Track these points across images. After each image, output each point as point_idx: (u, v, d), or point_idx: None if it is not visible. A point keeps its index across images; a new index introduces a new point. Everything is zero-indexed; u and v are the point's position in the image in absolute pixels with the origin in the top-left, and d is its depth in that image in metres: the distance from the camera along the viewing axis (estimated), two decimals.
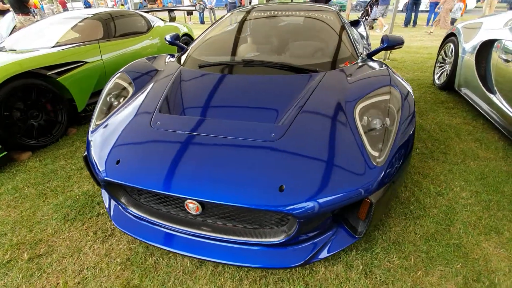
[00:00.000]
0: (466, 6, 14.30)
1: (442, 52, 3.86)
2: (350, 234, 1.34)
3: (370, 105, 1.46)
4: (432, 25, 9.30)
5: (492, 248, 1.50)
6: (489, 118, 2.62)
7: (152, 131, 1.46)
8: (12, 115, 2.37)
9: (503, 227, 1.63)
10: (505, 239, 1.55)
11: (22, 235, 1.65)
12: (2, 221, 1.76)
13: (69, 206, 1.87)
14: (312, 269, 1.39)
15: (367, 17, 9.83)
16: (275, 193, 1.13)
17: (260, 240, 1.27)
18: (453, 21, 8.83)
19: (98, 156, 1.43)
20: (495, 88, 2.59)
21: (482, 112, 2.74)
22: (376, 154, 1.27)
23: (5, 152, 2.29)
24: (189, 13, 12.68)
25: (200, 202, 1.21)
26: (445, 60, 3.81)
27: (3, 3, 5.65)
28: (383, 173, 1.22)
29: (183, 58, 2.23)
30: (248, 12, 2.68)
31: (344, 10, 13.23)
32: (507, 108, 2.34)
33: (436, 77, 4.02)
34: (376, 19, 9.45)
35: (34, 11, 9.93)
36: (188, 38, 5.02)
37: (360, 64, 1.92)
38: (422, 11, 11.63)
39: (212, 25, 2.67)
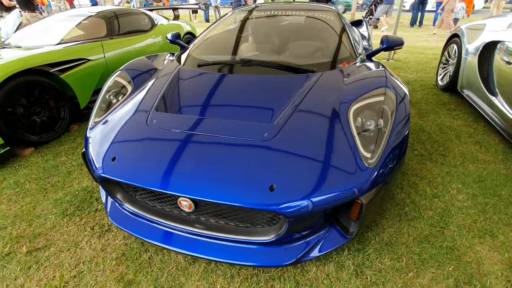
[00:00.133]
0: (474, 6, 14.11)
1: (446, 53, 3.82)
2: (342, 235, 1.35)
3: (365, 106, 1.47)
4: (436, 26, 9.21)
5: (486, 251, 1.50)
6: (490, 120, 2.60)
7: (148, 129, 1.49)
8: (16, 111, 2.42)
9: (498, 230, 1.62)
10: (499, 242, 1.54)
11: (21, 228, 1.69)
12: (3, 214, 1.80)
13: (68, 201, 1.90)
14: (304, 268, 1.41)
15: (371, 16, 9.76)
16: (265, 192, 1.14)
17: (252, 238, 1.28)
18: (455, 22, 8.74)
19: (95, 153, 1.46)
20: (497, 90, 2.57)
21: (484, 114, 2.72)
22: (368, 155, 1.27)
23: (8, 148, 2.34)
24: (194, 11, 12.70)
25: (192, 200, 1.23)
26: (449, 61, 3.77)
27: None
28: (374, 174, 1.22)
29: (182, 57, 2.25)
30: (248, 12, 2.68)
31: (350, 9, 13.13)
32: (508, 111, 2.32)
33: (439, 78, 3.99)
34: (384, 18, 9.38)
35: (41, 8, 10.05)
36: (191, 37, 5.04)
37: (358, 64, 1.92)
38: (428, 11, 11.49)
39: (212, 24, 2.69)
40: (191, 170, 1.24)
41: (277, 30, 2.51)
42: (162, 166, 1.27)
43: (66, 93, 2.82)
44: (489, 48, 2.75)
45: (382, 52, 2.94)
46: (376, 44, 3.53)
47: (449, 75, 3.66)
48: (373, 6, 9.76)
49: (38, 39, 3.19)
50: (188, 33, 5.01)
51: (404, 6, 16.10)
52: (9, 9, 5.68)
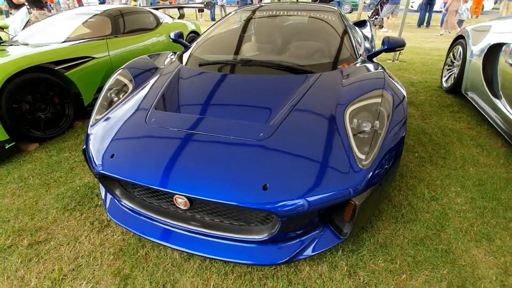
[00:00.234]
0: (483, 7, 13.88)
1: (451, 54, 3.78)
2: (336, 235, 1.36)
3: (361, 108, 1.47)
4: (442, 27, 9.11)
5: (482, 255, 1.49)
6: (493, 123, 2.57)
7: (146, 127, 1.51)
8: (21, 107, 2.47)
9: (495, 234, 1.61)
10: (495, 246, 1.53)
11: (24, 222, 1.73)
12: (7, 208, 1.85)
13: (70, 196, 1.95)
14: (297, 267, 1.42)
15: (377, 16, 9.69)
16: (258, 191, 1.16)
17: (245, 236, 1.30)
18: (460, 23, 8.66)
19: (95, 149, 1.49)
20: (501, 93, 2.54)
21: (487, 117, 2.68)
22: (362, 156, 1.28)
23: (13, 143, 2.39)
24: (200, 10, 12.73)
25: (187, 197, 1.25)
26: (454, 63, 3.73)
27: None
28: (368, 176, 1.23)
29: (184, 56, 2.28)
30: (250, 12, 2.70)
31: (357, 9, 13.03)
32: (511, 114, 2.29)
33: (443, 80, 3.95)
34: (388, 18, 9.31)
35: (50, 5, 10.20)
36: (195, 35, 5.07)
37: (358, 66, 1.92)
38: (436, 12, 11.34)
39: (214, 24, 2.70)
40: (185, 168, 1.26)
41: (278, 31, 2.52)
42: (158, 163, 1.30)
43: (70, 90, 2.87)
44: (494, 50, 2.72)
45: (387, 53, 2.90)
46: (379, 44, 3.50)
47: (454, 77, 3.62)
48: (379, 6, 9.68)
49: (45, 36, 3.25)
50: (193, 32, 5.04)
51: (412, 6, 15.96)
52: (18, 6, 5.78)
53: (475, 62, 2.99)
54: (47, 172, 2.23)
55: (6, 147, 2.34)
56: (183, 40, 2.70)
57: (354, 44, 2.18)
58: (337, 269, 1.41)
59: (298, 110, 1.51)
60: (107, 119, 1.66)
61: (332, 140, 1.34)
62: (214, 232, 1.33)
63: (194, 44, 2.45)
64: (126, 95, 1.84)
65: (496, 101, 2.55)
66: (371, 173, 1.24)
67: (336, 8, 2.63)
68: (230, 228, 1.34)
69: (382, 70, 1.75)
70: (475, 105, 2.96)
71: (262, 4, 2.87)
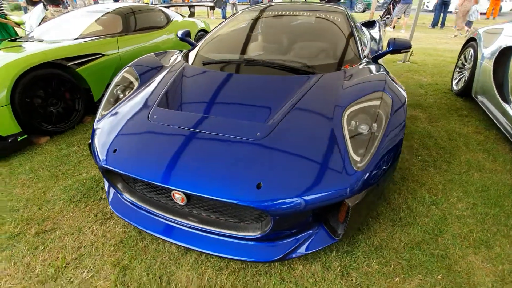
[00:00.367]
0: (501, 8, 13.42)
1: (462, 57, 3.70)
2: (330, 236, 1.37)
3: (360, 110, 1.47)
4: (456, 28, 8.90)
5: (479, 262, 1.47)
6: (501, 128, 2.51)
7: (148, 124, 1.56)
8: (34, 102, 2.57)
9: (495, 242, 1.58)
10: (494, 254, 1.51)
11: (32, 211, 1.82)
12: (17, 198, 1.94)
13: (76, 188, 2.02)
14: (290, 265, 1.44)
15: (388, 16, 9.54)
16: (252, 190, 1.19)
17: (240, 233, 1.33)
18: (469, 24, 8.47)
19: (100, 144, 1.55)
20: (511, 98, 2.48)
21: (496, 122, 2.62)
22: (358, 158, 1.28)
23: (26, 136, 2.50)
24: (212, 8, 12.82)
25: (184, 193, 1.29)
26: (465, 65, 3.65)
27: None
28: (362, 178, 1.23)
29: (189, 54, 2.32)
30: (255, 12, 2.71)
31: (370, 8, 12.84)
32: None
33: (454, 82, 3.87)
34: (399, 18, 9.16)
35: (67, 2, 10.46)
36: (204, 34, 5.11)
37: (360, 67, 1.91)
38: (451, 12, 11.04)
39: (221, 23, 2.74)
40: (182, 165, 1.30)
41: (282, 31, 2.53)
42: (156, 159, 1.34)
43: (81, 86, 2.96)
44: (505, 53, 2.65)
45: (398, 54, 2.83)
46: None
47: (464, 80, 3.54)
48: (391, 5, 9.52)
49: (59, 33, 3.36)
50: (202, 30, 5.09)
51: (427, 6, 15.60)
52: (35, 3, 5.97)
53: (486, 65, 2.92)
54: (56, 164, 2.32)
55: (19, 140, 2.44)
56: (190, 38, 2.74)
57: (358, 45, 2.17)
58: (330, 269, 1.42)
59: (297, 110, 1.52)
60: (112, 115, 1.72)
61: (328, 141, 1.35)
62: (210, 228, 1.37)
63: (199, 43, 2.49)
64: (131, 92, 1.90)
65: (506, 105, 2.49)
66: (365, 175, 1.25)
67: (342, 9, 2.62)
68: (226, 225, 1.38)
69: (384, 73, 1.74)
70: (485, 109, 2.89)
71: (271, 4, 2.88)
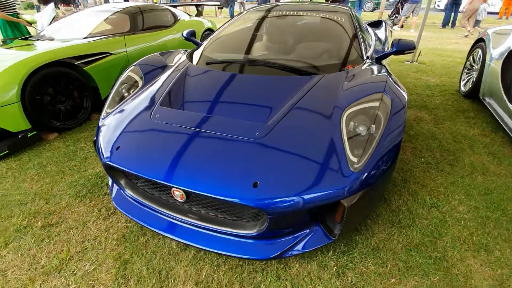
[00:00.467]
0: None
1: (471, 58, 3.64)
2: (326, 235, 1.38)
3: (359, 111, 1.48)
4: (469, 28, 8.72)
5: (478, 265, 1.46)
6: (508, 131, 2.47)
7: (151, 122, 1.60)
8: (43, 99, 2.65)
9: (495, 246, 1.57)
10: (494, 258, 1.50)
11: (39, 205, 1.88)
12: (25, 192, 2.01)
13: (82, 184, 2.08)
14: (287, 264, 1.46)
15: (397, 15, 9.43)
16: (248, 188, 1.21)
17: (237, 231, 1.36)
18: (476, 23, 8.37)
19: (104, 141, 1.59)
20: None
21: (502, 125, 2.58)
22: (355, 159, 1.29)
23: (35, 132, 2.58)
24: (220, 7, 12.87)
25: (183, 191, 1.32)
26: (473, 66, 3.59)
27: None
28: (358, 178, 1.24)
29: (193, 54, 2.35)
30: (259, 12, 2.73)
31: (379, 7, 12.69)
32: None
33: (462, 84, 3.81)
34: (408, 17, 9.05)
35: (78, 1, 10.67)
36: (210, 33, 5.15)
37: (362, 68, 1.91)
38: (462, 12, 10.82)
39: (225, 23, 2.76)
40: (181, 162, 1.33)
41: (285, 31, 2.54)
42: (156, 157, 1.38)
43: (89, 84, 3.03)
44: None
45: (406, 54, 2.76)
46: None
47: (472, 81, 3.48)
48: (399, 4, 9.40)
49: (69, 32, 3.44)
50: (208, 29, 5.13)
51: (438, 6, 15.30)
52: (47, 2, 6.12)
53: (494, 66, 2.87)
54: (64, 160, 2.39)
55: (29, 136, 2.52)
56: (195, 38, 2.77)
57: (361, 46, 2.16)
58: (326, 268, 1.43)
59: (296, 110, 1.54)
60: (117, 113, 1.76)
61: (326, 141, 1.36)
62: (209, 225, 1.40)
63: (203, 43, 2.52)
64: (136, 91, 1.94)
65: None
66: (362, 177, 1.25)
67: (347, 9, 2.61)
68: (224, 222, 1.40)
69: (385, 74, 1.73)
70: (492, 111, 2.85)
71: (278, 4, 2.89)
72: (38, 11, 11.16)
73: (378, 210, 1.79)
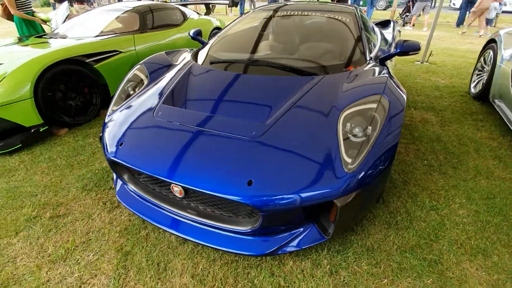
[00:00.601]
0: None
1: (482, 59, 3.56)
2: (320, 234, 1.41)
3: (356, 112, 1.49)
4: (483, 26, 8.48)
5: (473, 270, 1.46)
6: None
7: (153, 120, 1.65)
8: (55, 96, 2.76)
9: (494, 251, 1.56)
10: (491, 263, 1.49)
11: (48, 197, 1.97)
12: (36, 184, 2.11)
13: (89, 178, 2.17)
14: (281, 261, 1.49)
15: (407, 14, 9.26)
16: (242, 186, 1.24)
17: (232, 227, 1.40)
18: (487, 22, 8.22)
19: (109, 137, 1.66)
20: None
21: (511, 128, 2.53)
22: (349, 160, 1.31)
23: (47, 127, 2.69)
24: (229, 5, 12.91)
25: (182, 186, 1.37)
26: (484, 67, 3.51)
27: None
28: (352, 179, 1.26)
29: (198, 53, 2.40)
30: (265, 12, 2.75)
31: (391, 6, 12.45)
32: None
33: (472, 85, 3.73)
34: (418, 16, 8.88)
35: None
36: (218, 32, 5.20)
37: (364, 69, 1.91)
38: None
39: (231, 22, 2.80)
40: (179, 159, 1.38)
41: (289, 32, 2.55)
42: (157, 153, 1.43)
43: (99, 82, 3.13)
44: None
45: (416, 54, 2.70)
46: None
47: (483, 83, 3.41)
48: (410, 2, 9.23)
49: (81, 30, 3.55)
50: (216, 28, 5.17)
51: (453, 4, 14.88)
52: (61, 0, 6.28)
53: (505, 68, 2.80)
54: (73, 154, 2.48)
55: (41, 130, 2.63)
56: (201, 37, 2.82)
57: (365, 47, 2.16)
58: (319, 266, 1.46)
59: (295, 110, 1.56)
60: (122, 110, 1.83)
61: (322, 141, 1.38)
62: (207, 221, 1.45)
63: (209, 42, 2.56)
64: (141, 89, 2.00)
65: None
66: (356, 177, 1.27)
67: (352, 9, 2.60)
68: (221, 218, 1.45)
69: (385, 75, 1.73)
70: (501, 114, 2.78)
71: (286, 3, 2.90)
72: (54, 8, 11.47)
73: (375, 211, 1.79)
